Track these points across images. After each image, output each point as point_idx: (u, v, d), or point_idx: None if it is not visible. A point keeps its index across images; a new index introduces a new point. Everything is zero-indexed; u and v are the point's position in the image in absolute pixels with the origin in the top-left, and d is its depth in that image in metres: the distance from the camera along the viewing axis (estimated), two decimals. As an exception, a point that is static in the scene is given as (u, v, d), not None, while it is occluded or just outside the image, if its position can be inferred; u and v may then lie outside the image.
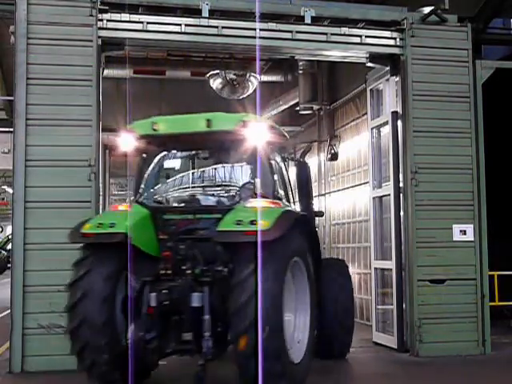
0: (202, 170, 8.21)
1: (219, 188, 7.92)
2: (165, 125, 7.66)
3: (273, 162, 8.02)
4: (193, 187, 8.05)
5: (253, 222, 6.43)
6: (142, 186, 7.96)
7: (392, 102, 10.20)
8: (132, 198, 8.00)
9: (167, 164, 8.30)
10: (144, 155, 8.14)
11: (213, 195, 7.81)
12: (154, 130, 7.61)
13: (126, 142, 7.78)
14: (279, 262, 6.62)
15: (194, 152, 8.06)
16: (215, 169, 8.16)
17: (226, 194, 7.72)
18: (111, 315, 6.85)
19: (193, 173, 8.23)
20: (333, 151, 9.36)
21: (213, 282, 6.84)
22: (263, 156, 7.57)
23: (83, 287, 6.77)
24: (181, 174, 8.27)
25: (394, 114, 10.06)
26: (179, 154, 8.24)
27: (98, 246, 6.89)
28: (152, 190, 7.98)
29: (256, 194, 7.29)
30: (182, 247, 7.12)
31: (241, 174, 7.94)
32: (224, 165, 8.07)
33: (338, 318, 8.75)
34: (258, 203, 6.90)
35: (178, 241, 7.21)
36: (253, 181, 7.51)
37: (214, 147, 7.83)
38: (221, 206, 7.38)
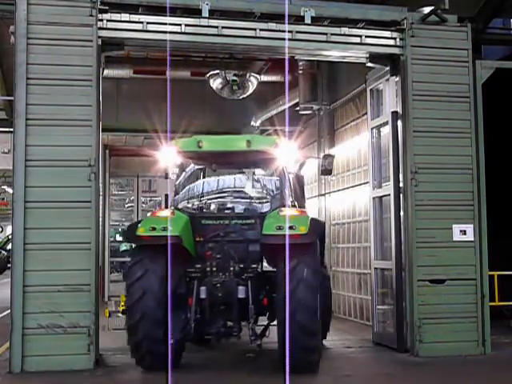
0: (235, 181, 9.71)
1: (251, 197, 9.39)
2: (209, 143, 8.90)
3: (289, 176, 9.40)
4: (227, 196, 9.43)
5: (292, 227, 7.81)
6: (181, 194, 9.30)
7: (392, 102, 10.20)
8: (170, 204, 9.17)
9: (203, 176, 9.78)
10: (183, 168, 9.49)
11: (246, 204, 9.19)
12: (199, 147, 8.79)
13: (169, 155, 9.05)
14: (315, 258, 8.12)
15: (230, 166, 9.56)
16: (247, 181, 9.66)
17: (258, 203, 9.18)
18: (165, 291, 7.92)
19: (226, 184, 9.68)
20: (323, 168, 9.93)
21: (251, 277, 8.27)
22: (287, 172, 9.12)
23: (144, 267, 8.03)
24: (215, 185, 9.69)
25: (394, 113, 10.06)
26: (215, 167, 9.49)
27: (150, 245, 8.08)
28: (189, 199, 9.35)
29: (284, 203, 8.71)
30: (225, 248, 8.42)
31: (270, 186, 9.48)
32: (255, 178, 9.61)
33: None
34: (289, 211, 8.28)
35: (215, 242, 8.51)
36: (280, 192, 9.01)
37: (249, 163, 9.39)
38: (255, 213, 8.82)
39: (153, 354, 7.93)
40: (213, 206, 9.18)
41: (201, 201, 9.36)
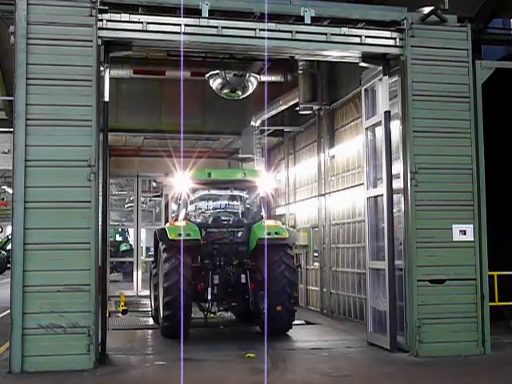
0: (228, 200, 12.91)
1: (239, 212, 12.75)
2: (216, 174, 12.27)
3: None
4: (222, 211, 12.73)
5: (277, 233, 11.28)
6: (190, 209, 12.24)
7: (385, 101, 10.18)
8: (181, 217, 12.04)
9: (207, 196, 12.80)
10: (193, 190, 12.34)
11: (236, 217, 12.64)
12: (209, 176, 12.01)
13: (184, 182, 12.01)
14: (292, 253, 11.71)
15: (228, 190, 12.65)
16: (238, 200, 12.89)
17: (244, 216, 12.58)
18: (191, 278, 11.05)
19: (222, 202, 12.89)
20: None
21: (246, 268, 11.43)
22: (266, 194, 12.57)
23: (177, 259, 10.68)
24: (214, 203, 12.89)
25: (387, 113, 10.05)
26: (217, 190, 12.68)
27: (179, 246, 10.53)
28: (197, 213, 12.45)
29: (263, 216, 12.20)
30: (228, 248, 11.64)
31: (253, 204, 12.59)
32: (242, 198, 12.80)
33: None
34: (268, 222, 11.83)
35: (218, 244, 11.67)
36: (260, 208, 12.38)
37: (242, 188, 12.55)
38: (243, 224, 12.18)
39: (179, 323, 9.70)
40: (214, 219, 12.49)
41: (204, 214, 12.60)
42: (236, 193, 12.73)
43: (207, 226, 12.02)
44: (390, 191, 9.99)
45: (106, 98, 9.38)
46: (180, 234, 10.80)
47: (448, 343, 9.55)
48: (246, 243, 11.78)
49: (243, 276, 11.33)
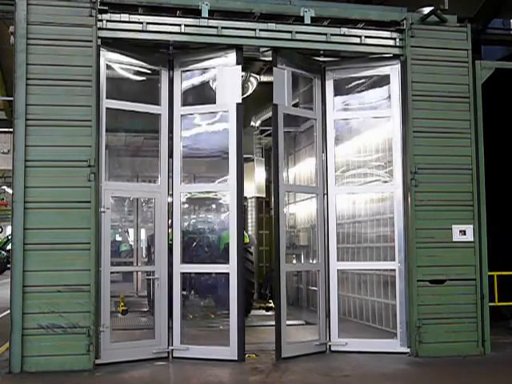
0: (205, 213, 16.54)
1: (213, 221, 16.07)
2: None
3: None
4: (200, 220, 16.22)
5: None
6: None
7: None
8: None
9: (188, 209, 15.88)
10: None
11: (209, 225, 15.91)
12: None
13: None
14: (252, 256, 14.82)
15: (204, 205, 16.39)
16: (213, 214, 16.46)
17: (215, 225, 15.77)
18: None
19: (199, 214, 16.45)
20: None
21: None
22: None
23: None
24: (193, 214, 16.47)
25: (275, 107, 9.94)
26: (197, 206, 16.47)
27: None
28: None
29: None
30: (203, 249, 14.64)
31: (223, 215, 15.29)
32: (217, 211, 16.20)
33: None
34: None
35: (195, 247, 14.58)
36: (228, 219, 15.36)
37: (215, 203, 15.94)
38: (215, 231, 15.27)
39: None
40: (192, 226, 15.86)
41: (186, 223, 15.34)
42: (210, 206, 16.38)
43: (188, 232, 15.12)
44: (322, 191, 10.09)
45: (239, 100, 9.54)
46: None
47: (448, 343, 9.56)
48: (217, 246, 14.65)
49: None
